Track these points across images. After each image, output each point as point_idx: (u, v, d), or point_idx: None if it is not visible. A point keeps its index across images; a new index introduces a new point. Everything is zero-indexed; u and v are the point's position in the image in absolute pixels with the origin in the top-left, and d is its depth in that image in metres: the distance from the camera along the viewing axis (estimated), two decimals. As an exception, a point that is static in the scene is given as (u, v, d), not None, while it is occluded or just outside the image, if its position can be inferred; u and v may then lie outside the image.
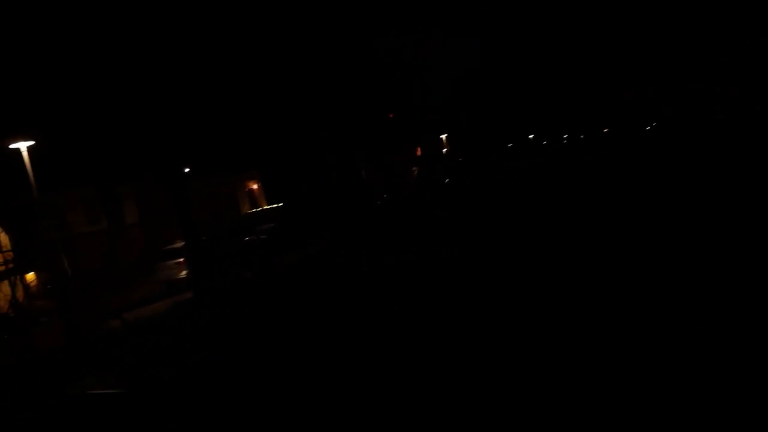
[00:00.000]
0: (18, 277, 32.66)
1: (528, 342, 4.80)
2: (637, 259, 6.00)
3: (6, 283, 29.79)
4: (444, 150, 63.52)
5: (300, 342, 6.36)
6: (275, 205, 39.75)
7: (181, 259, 21.62)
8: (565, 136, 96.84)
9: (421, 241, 8.18)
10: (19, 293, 32.11)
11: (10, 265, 32.85)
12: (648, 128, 60.42)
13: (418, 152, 61.94)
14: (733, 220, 6.65)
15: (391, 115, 55.67)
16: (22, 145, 20.61)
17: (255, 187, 49.41)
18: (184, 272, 21.23)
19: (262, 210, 40.39)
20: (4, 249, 31.99)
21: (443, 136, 62.61)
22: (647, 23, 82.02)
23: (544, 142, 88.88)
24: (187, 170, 38.67)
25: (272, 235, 28.70)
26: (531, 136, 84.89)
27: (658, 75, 71.78)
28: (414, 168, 59.89)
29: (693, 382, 3.78)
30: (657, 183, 9.04)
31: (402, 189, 46.36)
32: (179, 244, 21.97)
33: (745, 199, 7.36)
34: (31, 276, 33.11)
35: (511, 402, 3.98)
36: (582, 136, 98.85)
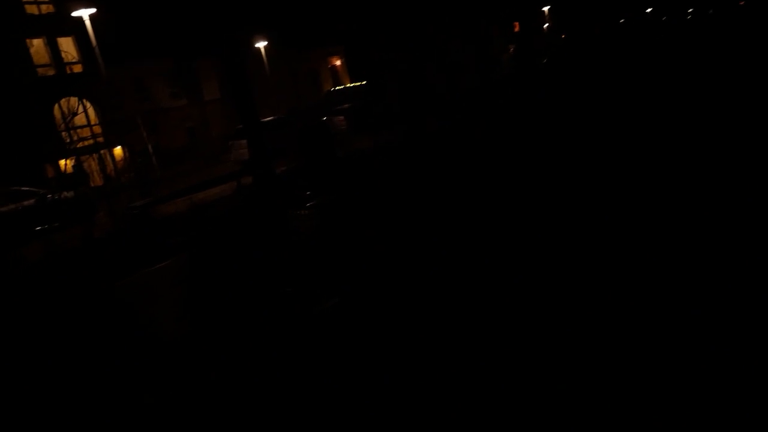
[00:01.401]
0: (105, 151, 33.28)
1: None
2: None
3: (95, 157, 30.28)
4: (545, 25, 57.56)
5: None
6: (358, 84, 37.61)
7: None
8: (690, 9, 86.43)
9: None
10: (109, 168, 32.82)
11: (100, 140, 33.48)
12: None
13: (516, 28, 56.55)
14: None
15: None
16: (84, 13, 19.39)
17: (338, 63, 47.09)
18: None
19: (344, 88, 38.44)
20: (92, 123, 32.29)
21: (545, 9, 56.44)
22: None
23: (664, 18, 79.95)
24: (264, 44, 36.93)
25: (350, 115, 26.95)
26: (649, 10, 75.67)
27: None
28: (510, 46, 55.00)
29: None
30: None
31: (497, 69, 42.39)
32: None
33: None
34: (118, 151, 33.64)
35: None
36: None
